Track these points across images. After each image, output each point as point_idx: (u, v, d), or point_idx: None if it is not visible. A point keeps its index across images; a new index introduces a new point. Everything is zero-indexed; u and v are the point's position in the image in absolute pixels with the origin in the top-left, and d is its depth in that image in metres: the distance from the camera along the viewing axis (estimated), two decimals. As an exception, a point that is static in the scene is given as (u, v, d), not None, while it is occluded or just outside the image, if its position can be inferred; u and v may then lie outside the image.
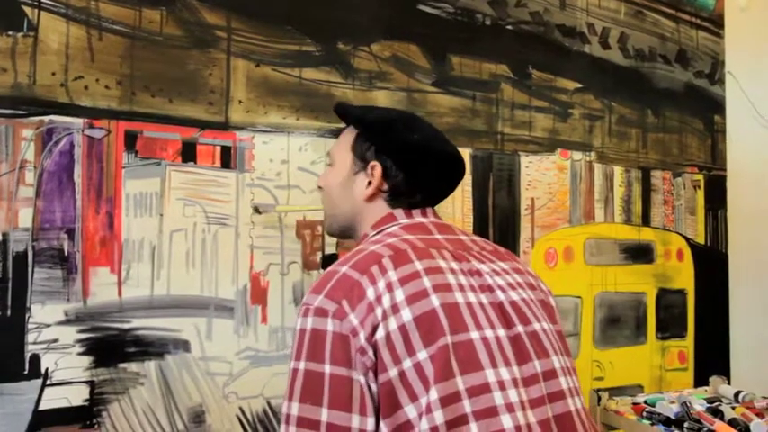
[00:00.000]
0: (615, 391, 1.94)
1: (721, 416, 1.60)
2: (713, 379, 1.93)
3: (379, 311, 0.89)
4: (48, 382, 1.28)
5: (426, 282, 0.93)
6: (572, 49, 2.07)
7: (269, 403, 1.51)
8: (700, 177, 2.36)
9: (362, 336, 0.88)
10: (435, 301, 0.92)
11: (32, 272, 1.28)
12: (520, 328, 0.98)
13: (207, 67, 1.48)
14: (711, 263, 2.36)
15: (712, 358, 2.32)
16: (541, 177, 1.98)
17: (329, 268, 0.98)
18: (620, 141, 2.16)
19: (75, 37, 1.34)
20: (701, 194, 2.36)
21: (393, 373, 0.87)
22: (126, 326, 1.36)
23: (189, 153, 1.45)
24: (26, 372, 1.27)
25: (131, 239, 1.38)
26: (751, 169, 2.36)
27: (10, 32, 1.28)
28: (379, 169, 1.10)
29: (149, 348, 1.39)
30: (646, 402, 1.74)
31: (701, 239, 2.34)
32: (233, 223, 1.49)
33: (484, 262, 1.05)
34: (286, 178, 1.56)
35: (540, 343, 0.99)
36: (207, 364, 1.45)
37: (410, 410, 0.86)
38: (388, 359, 0.87)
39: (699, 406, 1.67)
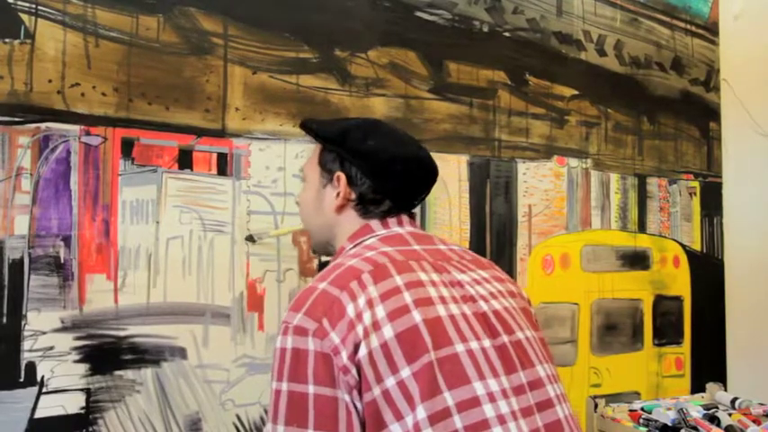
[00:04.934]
0: (612, 398, 1.94)
1: (718, 422, 1.60)
2: (710, 386, 1.94)
3: (360, 329, 0.87)
4: (43, 389, 1.27)
5: (407, 297, 0.92)
6: (568, 56, 2.08)
7: (266, 411, 1.50)
8: (695, 184, 2.36)
9: (344, 354, 0.86)
10: (417, 316, 0.90)
11: (28, 279, 1.28)
12: (505, 338, 0.97)
13: (204, 74, 1.48)
14: (707, 269, 2.36)
15: (709, 365, 2.32)
16: (538, 184, 1.98)
17: (307, 286, 0.97)
18: (616, 148, 2.17)
19: (72, 44, 1.34)
20: (696, 201, 2.36)
21: (377, 391, 0.85)
22: (122, 333, 1.36)
23: (185, 160, 1.45)
24: (22, 379, 1.26)
25: (128, 247, 1.38)
26: (746, 176, 2.37)
27: (7, 40, 1.28)
28: (343, 178, 1.10)
29: (146, 356, 1.38)
30: (642, 409, 1.74)
31: (696, 246, 2.35)
32: (229, 230, 1.49)
33: (464, 272, 1.04)
34: (282, 185, 1.56)
35: (525, 352, 0.98)
36: (203, 371, 1.44)
37: (395, 429, 0.84)
38: (372, 378, 0.86)
39: (695, 413, 1.67)
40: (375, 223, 1.10)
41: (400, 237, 1.06)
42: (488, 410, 0.87)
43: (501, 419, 0.87)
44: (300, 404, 0.85)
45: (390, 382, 0.86)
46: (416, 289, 0.94)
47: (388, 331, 0.88)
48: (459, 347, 0.91)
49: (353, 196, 1.10)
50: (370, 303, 0.90)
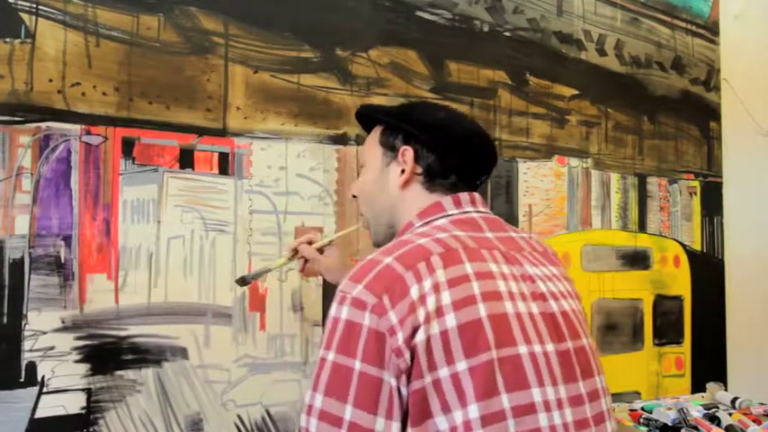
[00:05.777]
0: (612, 398, 1.93)
1: (718, 422, 1.60)
2: (710, 385, 1.94)
3: (421, 313, 0.83)
4: (44, 389, 1.27)
5: (475, 287, 0.87)
6: (569, 55, 2.08)
7: (267, 411, 1.50)
8: (696, 184, 2.36)
9: (401, 336, 0.82)
10: (483, 310, 0.86)
11: (29, 279, 1.27)
12: (569, 344, 0.93)
13: (205, 74, 1.48)
14: (708, 269, 2.37)
15: (709, 365, 2.32)
16: (539, 184, 1.98)
17: (371, 256, 0.92)
18: (616, 148, 2.17)
19: (73, 43, 1.34)
20: (697, 201, 2.36)
21: (428, 380, 0.82)
22: (123, 333, 1.36)
23: (186, 160, 1.45)
24: (22, 379, 1.26)
25: (128, 246, 1.37)
26: (747, 176, 2.37)
27: (7, 39, 1.28)
28: (410, 152, 1.05)
29: (146, 356, 1.38)
30: (643, 409, 1.74)
31: (697, 246, 2.35)
32: (231, 230, 1.49)
33: (536, 265, 0.99)
34: (284, 185, 1.56)
35: (588, 360, 0.94)
36: (205, 371, 1.44)
37: (441, 422, 0.82)
38: (425, 365, 0.82)
39: (696, 412, 1.67)
40: (447, 201, 1.03)
41: (473, 221, 1.00)
42: (543, 419, 0.85)
43: (552, 430, 0.85)
44: (344, 378, 0.83)
45: (444, 372, 0.82)
46: (486, 281, 0.89)
47: (450, 320, 0.84)
48: (523, 349, 0.87)
49: (419, 170, 1.05)
50: (436, 288, 0.86)
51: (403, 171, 1.06)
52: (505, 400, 0.83)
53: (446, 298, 0.85)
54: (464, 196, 1.04)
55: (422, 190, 1.06)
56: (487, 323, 0.85)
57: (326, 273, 1.41)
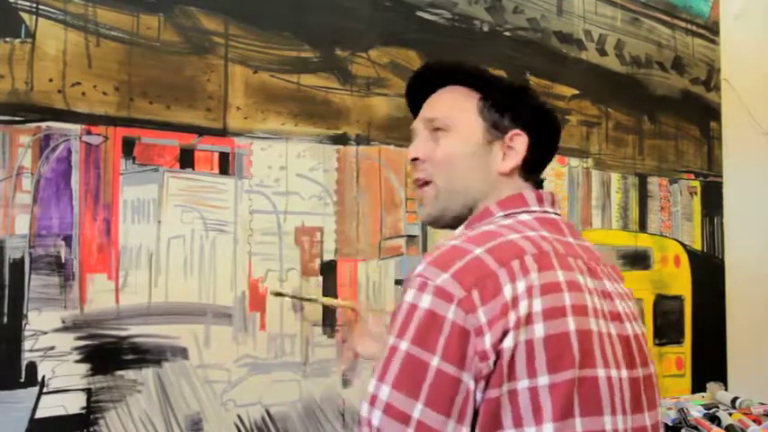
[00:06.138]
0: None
1: (718, 422, 1.61)
2: (710, 385, 1.94)
3: (512, 317, 0.76)
4: (44, 389, 1.27)
5: (566, 298, 0.81)
6: (569, 55, 2.08)
7: (267, 411, 1.50)
8: (696, 184, 2.36)
9: (488, 339, 0.75)
10: (572, 324, 0.79)
11: (29, 279, 1.27)
12: (640, 371, 0.87)
13: (205, 74, 1.48)
14: (708, 269, 2.37)
15: (709, 364, 2.32)
16: (539, 183, 1.98)
17: (454, 243, 0.83)
18: (616, 148, 2.17)
19: (73, 43, 1.34)
20: (697, 201, 2.36)
21: (504, 389, 0.76)
22: (123, 333, 1.35)
23: (187, 159, 1.45)
24: (23, 379, 1.25)
25: (129, 246, 1.37)
26: (747, 175, 2.37)
27: (7, 39, 1.28)
28: (524, 140, 0.95)
29: (147, 356, 1.38)
30: (644, 409, 1.73)
31: (697, 246, 2.35)
32: (231, 230, 1.49)
33: (612, 281, 0.92)
34: (284, 185, 1.56)
35: (653, 391, 0.90)
36: (205, 371, 1.44)
37: None
38: (505, 373, 0.76)
39: (696, 412, 1.67)
40: (530, 196, 0.94)
41: (556, 223, 0.93)
42: None
43: None
44: (417, 373, 0.75)
45: (523, 384, 0.76)
46: (576, 293, 0.82)
47: (539, 329, 0.77)
48: (601, 372, 0.81)
49: (526, 160, 0.96)
50: (529, 292, 0.78)
51: (504, 155, 0.96)
52: (578, 425, 0.78)
53: (537, 305, 0.78)
54: (546, 195, 0.96)
55: (519, 181, 0.97)
56: (575, 339, 0.79)
57: (365, 338, 1.24)
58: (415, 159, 0.99)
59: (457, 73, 1.02)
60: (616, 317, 0.87)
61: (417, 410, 0.74)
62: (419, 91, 1.07)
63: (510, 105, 0.97)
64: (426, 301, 0.77)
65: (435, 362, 0.75)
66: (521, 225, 0.88)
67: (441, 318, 0.76)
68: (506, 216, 0.92)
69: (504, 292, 0.77)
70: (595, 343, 0.81)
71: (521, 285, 0.78)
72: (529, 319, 0.77)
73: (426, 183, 0.99)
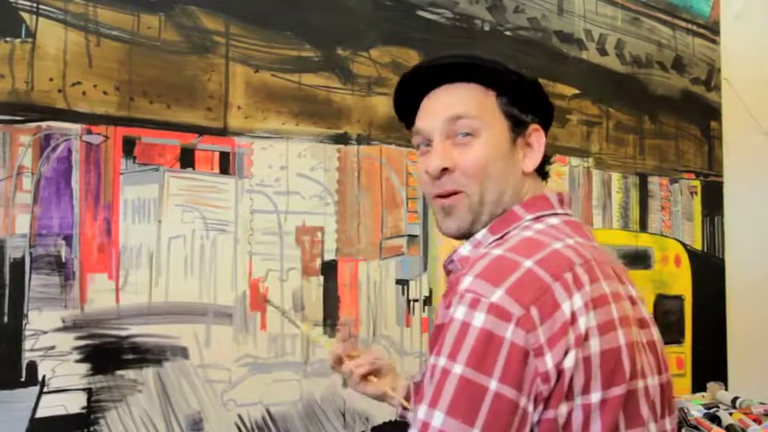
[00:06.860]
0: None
1: (719, 422, 1.60)
2: (711, 385, 1.94)
3: (572, 335, 0.72)
4: (45, 389, 1.27)
5: (614, 310, 0.77)
6: (569, 55, 2.08)
7: (268, 411, 1.50)
8: (696, 183, 2.36)
9: (550, 359, 0.70)
10: (622, 337, 0.76)
11: (29, 278, 1.27)
12: (664, 377, 0.85)
13: (205, 73, 1.48)
14: (708, 269, 2.37)
15: (710, 364, 2.32)
16: (539, 183, 1.98)
17: (499, 253, 0.77)
18: (617, 147, 2.17)
19: (73, 43, 1.34)
20: (697, 200, 2.36)
21: (562, 410, 0.72)
22: (124, 333, 1.35)
23: (187, 159, 1.45)
24: (23, 379, 1.25)
25: (129, 246, 1.37)
26: (747, 175, 2.37)
27: (8, 39, 1.27)
28: (542, 134, 0.91)
29: (147, 355, 1.37)
30: (644, 409, 1.73)
31: (698, 245, 2.35)
32: (232, 229, 1.48)
33: (632, 286, 0.88)
34: (285, 184, 1.56)
35: (672, 396, 0.88)
36: (205, 371, 1.44)
37: None
38: (563, 393, 0.71)
39: (696, 412, 1.67)
40: (552, 196, 0.90)
41: (580, 227, 0.88)
42: None
43: None
44: (474, 397, 0.70)
45: (577, 401, 0.72)
46: (619, 303, 0.78)
47: (594, 345, 0.73)
48: (641, 383, 0.78)
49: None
50: (587, 306, 0.74)
51: (528, 153, 0.91)
52: None
53: (592, 320, 0.74)
54: (565, 195, 0.92)
55: (537, 180, 0.93)
56: (625, 352, 0.76)
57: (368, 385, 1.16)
58: (444, 170, 0.88)
59: (478, 67, 0.94)
60: (644, 324, 0.84)
61: None
62: (412, 90, 0.98)
63: (527, 101, 0.92)
64: (480, 320, 0.71)
65: (494, 385, 0.70)
66: (555, 231, 0.83)
67: (498, 338, 0.70)
68: (536, 220, 0.86)
69: (563, 308, 0.73)
70: (639, 353, 0.78)
71: (578, 300, 0.74)
72: (587, 335, 0.73)
73: (453, 192, 0.89)
